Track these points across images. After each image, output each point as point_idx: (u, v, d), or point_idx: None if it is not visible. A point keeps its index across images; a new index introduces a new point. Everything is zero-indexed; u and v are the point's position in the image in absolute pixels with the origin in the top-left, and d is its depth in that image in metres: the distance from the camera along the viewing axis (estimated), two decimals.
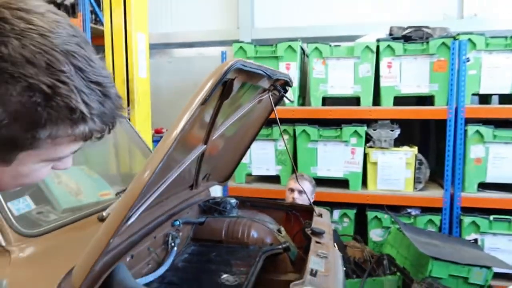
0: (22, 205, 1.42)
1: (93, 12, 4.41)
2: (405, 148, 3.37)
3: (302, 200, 2.90)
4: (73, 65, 0.52)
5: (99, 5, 4.49)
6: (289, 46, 3.48)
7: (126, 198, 1.11)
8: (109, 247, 1.16)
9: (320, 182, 3.50)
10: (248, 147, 2.58)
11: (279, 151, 3.66)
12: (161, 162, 1.05)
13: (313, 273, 1.53)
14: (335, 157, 3.44)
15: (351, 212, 3.53)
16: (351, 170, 3.46)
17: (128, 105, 3.44)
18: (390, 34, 3.46)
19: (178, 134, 1.03)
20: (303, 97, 3.88)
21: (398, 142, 3.44)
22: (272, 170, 3.72)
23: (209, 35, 4.93)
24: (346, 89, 3.44)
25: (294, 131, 3.55)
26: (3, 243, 1.31)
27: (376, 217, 3.46)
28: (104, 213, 1.57)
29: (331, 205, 3.46)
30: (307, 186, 2.93)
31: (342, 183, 3.53)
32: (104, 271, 1.34)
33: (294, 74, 3.52)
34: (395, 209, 3.43)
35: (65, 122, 0.53)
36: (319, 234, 2.03)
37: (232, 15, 4.86)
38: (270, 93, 1.98)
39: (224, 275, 1.84)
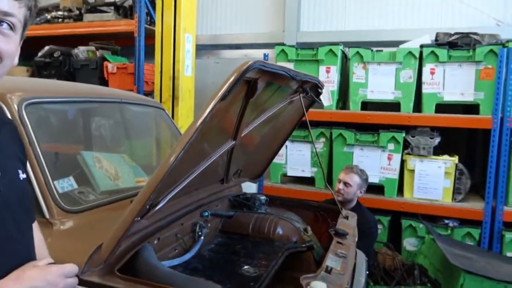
0: (66, 184, 1.60)
1: (148, 13, 4.67)
2: (445, 157, 3.28)
3: (347, 192, 2.91)
4: None
5: (154, 7, 4.75)
6: (330, 50, 3.52)
7: (151, 181, 1.23)
8: (133, 226, 1.29)
9: None
10: (280, 147, 2.65)
11: (315, 153, 3.69)
12: (183, 150, 1.16)
13: (328, 270, 1.57)
14: (371, 162, 3.42)
15: (385, 219, 3.49)
16: (387, 176, 3.42)
17: (173, 101, 3.64)
18: (436, 40, 3.39)
19: (198, 128, 1.13)
20: (343, 101, 3.88)
21: (439, 151, 3.36)
22: (307, 171, 3.76)
23: (256, 37, 5.06)
24: (386, 94, 3.42)
25: (331, 134, 3.57)
26: (47, 216, 1.48)
27: (410, 225, 3.39)
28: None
29: None
30: (355, 179, 2.92)
31: (377, 189, 3.50)
32: (132, 249, 1.48)
33: (334, 78, 3.55)
34: (432, 219, 3.35)
35: None
36: (342, 235, 2.06)
37: (279, 18, 4.95)
38: (301, 95, 2.04)
39: (245, 267, 1.93)
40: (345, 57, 3.73)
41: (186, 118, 3.68)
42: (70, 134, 1.99)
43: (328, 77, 3.55)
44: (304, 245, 2.23)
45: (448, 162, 3.24)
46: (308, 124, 2.13)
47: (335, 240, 1.98)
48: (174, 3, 3.56)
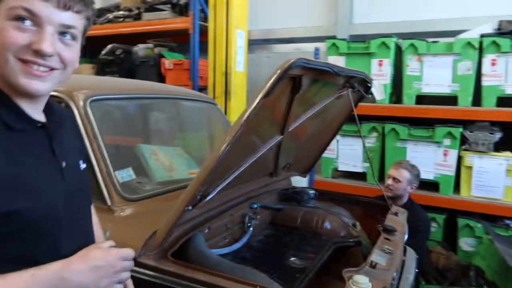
0: (126, 175, 1.74)
1: (202, 10, 4.82)
2: (507, 153, 3.09)
3: (397, 188, 2.87)
4: None
5: (207, 4, 4.89)
6: (383, 42, 3.43)
7: (200, 173, 1.31)
8: (184, 215, 1.38)
9: None
10: (330, 141, 2.66)
11: (367, 148, 3.64)
12: (228, 145, 1.22)
13: (372, 265, 1.57)
14: (425, 158, 3.31)
15: (440, 217, 3.37)
16: (442, 173, 3.29)
17: (226, 96, 3.75)
18: (498, 29, 3.19)
19: (242, 124, 1.19)
20: (397, 95, 3.78)
21: (501, 147, 3.17)
22: (359, 167, 3.71)
23: (308, 31, 5.03)
24: (443, 88, 3.27)
25: (383, 128, 3.49)
26: (109, 203, 1.63)
27: (468, 225, 3.24)
28: None
29: None
30: (405, 174, 2.87)
31: (432, 185, 3.37)
32: (184, 236, 1.58)
33: (386, 71, 3.47)
34: (491, 219, 3.17)
35: None
36: (389, 231, 2.04)
37: (331, 11, 4.88)
38: (349, 90, 2.03)
39: (292, 258, 1.98)
40: (398, 49, 3.61)
41: (238, 113, 3.72)
42: (129, 128, 2.15)
43: (381, 70, 3.47)
44: (351, 240, 2.24)
45: (510, 159, 3.06)
46: (357, 119, 2.12)
47: (383, 236, 1.97)
48: (226, 1, 3.65)
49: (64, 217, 0.93)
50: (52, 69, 0.86)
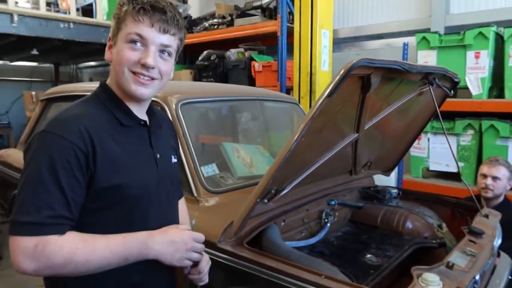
0: (210, 169, 1.93)
1: (290, 13, 4.94)
2: None
3: (497, 187, 2.65)
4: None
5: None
6: (480, 32, 3.18)
7: (270, 168, 1.43)
8: (257, 207, 1.51)
9: None
10: (414, 139, 2.58)
11: (461, 147, 3.41)
12: (294, 143, 1.32)
13: (449, 266, 1.53)
14: None
15: None
16: None
17: (311, 95, 3.81)
18: None
19: (307, 124, 1.27)
20: (500, 89, 3.46)
21: None
22: (452, 166, 3.49)
23: (399, 25, 4.84)
24: None
25: (480, 125, 3.24)
26: (195, 195, 1.83)
27: None
28: None
29: None
30: (503, 171, 2.64)
31: None
32: (260, 227, 1.72)
33: (484, 63, 3.21)
34: None
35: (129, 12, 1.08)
36: (476, 234, 1.93)
37: (424, 3, 4.64)
38: (430, 87, 1.97)
39: (368, 255, 1.99)
40: (500, 39, 3.32)
41: None
42: (215, 127, 2.36)
43: (477, 63, 3.22)
44: (435, 241, 2.16)
45: None
46: (440, 116, 2.04)
47: (467, 238, 1.87)
48: (311, 2, 3.72)
49: (154, 197, 1.16)
50: (152, 78, 1.11)
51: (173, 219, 1.25)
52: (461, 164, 3.44)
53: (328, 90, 1.23)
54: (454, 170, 3.50)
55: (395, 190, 2.56)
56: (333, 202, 2.25)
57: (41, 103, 3.02)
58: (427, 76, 1.82)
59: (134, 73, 1.09)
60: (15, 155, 3.15)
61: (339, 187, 2.36)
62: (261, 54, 5.48)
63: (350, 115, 1.77)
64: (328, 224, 2.19)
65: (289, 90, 4.84)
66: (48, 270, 0.97)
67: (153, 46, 1.08)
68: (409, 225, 2.29)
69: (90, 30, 6.19)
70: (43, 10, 5.77)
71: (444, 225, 2.33)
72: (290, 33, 4.82)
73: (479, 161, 3.31)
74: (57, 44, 6.16)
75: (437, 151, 3.54)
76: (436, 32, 3.55)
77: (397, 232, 2.27)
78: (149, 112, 1.23)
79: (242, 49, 5.47)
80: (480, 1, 4.16)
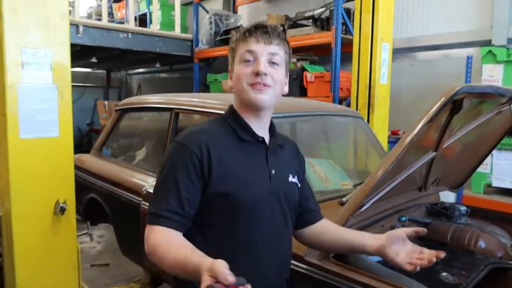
0: None
1: (344, 23, 4.98)
2: None
3: None
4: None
5: (349, 17, 5.03)
6: None
7: (362, 189, 1.48)
8: (347, 224, 1.56)
9: None
10: (485, 157, 2.54)
11: None
12: (391, 164, 1.37)
13: None
14: None
15: None
16: None
17: (369, 108, 3.83)
18: None
19: (407, 143, 1.32)
20: None
21: None
22: None
23: (456, 36, 4.76)
24: None
25: None
26: None
27: None
28: (344, 199, 2.00)
29: None
30: None
31: None
32: None
33: None
34: None
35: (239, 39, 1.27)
36: None
37: (486, 13, 4.53)
38: (510, 106, 1.96)
39: (444, 273, 1.99)
40: None
41: (381, 125, 3.82)
42: None
43: None
44: (511, 262, 2.12)
45: None
46: None
47: None
48: (372, 14, 3.74)
49: (266, 211, 1.25)
50: (265, 85, 1.23)
51: (285, 236, 1.33)
52: None
53: (429, 116, 1.28)
54: None
55: (464, 207, 2.53)
56: (403, 219, 2.27)
57: (116, 113, 3.22)
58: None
59: (251, 85, 1.23)
60: (88, 161, 3.36)
61: (409, 203, 2.37)
62: (313, 64, 5.53)
63: (434, 135, 1.80)
64: None
65: (341, 101, 4.87)
66: (149, 255, 1.15)
67: (262, 57, 1.22)
68: (481, 244, 2.26)
69: (145, 40, 6.48)
70: (105, 21, 6.11)
71: None
72: (343, 43, 4.86)
73: None
74: (115, 52, 6.49)
75: (502, 167, 3.46)
76: (503, 46, 3.48)
77: (469, 250, 2.25)
78: (271, 133, 1.35)
79: (294, 59, 5.54)
80: None
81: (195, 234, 1.22)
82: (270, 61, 1.23)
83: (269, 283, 1.29)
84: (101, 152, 3.36)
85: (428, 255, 1.25)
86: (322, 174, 2.15)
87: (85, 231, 3.20)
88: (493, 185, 3.55)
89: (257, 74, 1.21)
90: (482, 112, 2.00)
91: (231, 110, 1.33)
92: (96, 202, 3.13)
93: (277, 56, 1.24)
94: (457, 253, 2.25)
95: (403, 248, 1.29)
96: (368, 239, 1.36)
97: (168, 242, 1.12)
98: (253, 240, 1.24)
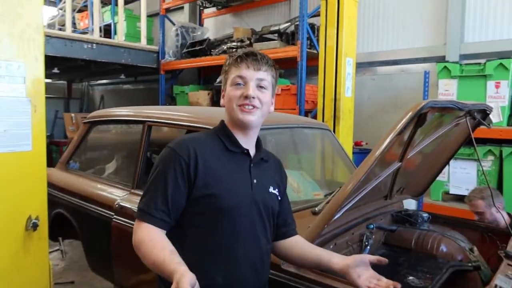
0: None
1: (309, 38, 5.15)
2: None
3: (486, 218, 2.75)
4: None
5: (313, 32, 5.21)
6: (500, 64, 3.37)
7: (336, 199, 1.56)
8: (322, 232, 1.64)
9: None
10: (444, 166, 2.72)
11: (481, 172, 3.56)
12: (363, 176, 1.46)
13: None
14: None
15: None
16: None
17: (335, 121, 3.97)
18: None
19: (377, 157, 1.42)
20: None
21: None
22: None
23: (414, 52, 5.05)
24: None
25: (501, 152, 3.40)
26: None
27: None
28: (317, 209, 2.09)
29: None
30: (480, 203, 2.78)
31: None
32: None
33: (504, 93, 3.40)
34: None
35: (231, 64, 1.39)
36: None
37: (440, 30, 4.85)
38: (467, 118, 2.12)
39: (410, 277, 2.10)
40: None
41: (346, 137, 3.97)
42: None
43: (498, 93, 3.41)
44: (470, 264, 2.27)
45: None
46: (475, 144, 2.19)
47: (505, 262, 2.00)
48: (337, 29, 3.91)
49: (246, 215, 1.36)
50: (254, 107, 1.35)
51: (264, 241, 1.43)
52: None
53: (398, 130, 1.38)
54: None
55: (426, 214, 2.68)
56: (371, 226, 2.37)
57: (84, 125, 3.16)
58: (470, 110, 1.98)
59: (240, 106, 1.36)
60: (55, 175, 3.27)
61: (376, 212, 2.48)
62: (279, 77, 5.64)
63: (399, 147, 1.92)
64: (368, 247, 2.30)
65: (307, 113, 5.01)
66: (134, 248, 1.27)
67: (251, 82, 1.35)
68: (443, 248, 2.40)
69: (111, 51, 6.40)
70: (68, 31, 5.99)
71: (475, 248, 2.45)
72: (308, 57, 5.02)
73: (500, 186, 3.46)
74: (79, 63, 6.35)
75: (458, 175, 3.69)
76: (455, 62, 3.74)
77: (432, 255, 2.38)
78: (257, 148, 1.48)
79: None
80: (495, 31, 4.38)
81: (180, 233, 1.34)
82: (258, 85, 1.36)
83: (247, 284, 1.38)
84: (68, 166, 3.28)
85: (385, 283, 1.37)
86: (295, 185, 2.23)
87: (57, 248, 3.09)
88: (450, 192, 3.77)
89: (246, 97, 1.34)
90: (441, 125, 2.16)
91: (222, 125, 1.45)
92: (62, 218, 3.04)
93: (264, 81, 1.37)
94: (421, 257, 2.38)
95: (365, 272, 1.41)
96: (335, 258, 1.47)
97: (152, 241, 1.24)
98: (232, 240, 1.34)
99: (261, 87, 1.37)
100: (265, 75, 1.38)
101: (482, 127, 3.41)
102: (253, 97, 1.34)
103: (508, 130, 3.39)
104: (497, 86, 3.40)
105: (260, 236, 1.41)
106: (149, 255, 1.22)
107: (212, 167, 1.34)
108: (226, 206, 1.33)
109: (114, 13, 7.37)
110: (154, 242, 1.24)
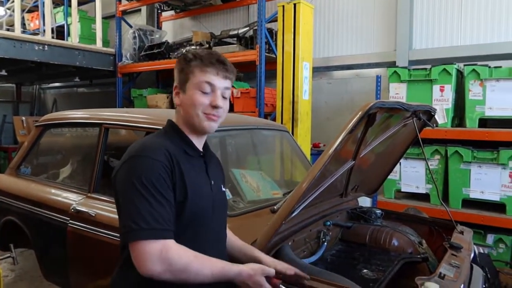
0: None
1: (267, 43, 5.24)
2: None
3: None
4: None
5: (272, 37, 5.31)
6: (444, 69, 3.60)
7: (292, 197, 1.62)
8: (279, 229, 1.69)
9: (473, 204, 3.49)
10: (395, 165, 2.87)
11: (429, 170, 3.77)
12: (318, 173, 1.53)
13: (441, 276, 1.78)
14: (490, 180, 3.39)
15: (508, 238, 3.41)
16: (508, 194, 3.35)
17: (293, 123, 4.07)
18: None
19: (331, 155, 1.49)
20: (460, 118, 3.90)
21: None
22: (421, 188, 3.85)
23: (367, 57, 5.27)
24: (507, 111, 3.37)
25: (446, 151, 3.62)
26: None
27: None
28: (275, 207, 2.14)
29: (484, 228, 3.41)
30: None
31: (498, 206, 3.44)
32: (274, 247, 1.89)
33: (448, 96, 3.62)
34: None
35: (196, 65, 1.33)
36: (456, 248, 2.21)
37: (390, 38, 5.10)
38: (414, 119, 2.27)
39: (364, 270, 2.20)
40: (460, 74, 3.76)
41: (304, 138, 4.08)
42: (222, 155, 2.53)
43: (442, 96, 3.63)
44: (419, 256, 2.41)
45: None
46: (421, 144, 2.33)
47: (449, 252, 2.14)
48: (294, 35, 4.02)
49: (211, 215, 1.39)
50: (219, 116, 1.38)
51: (223, 238, 1.50)
52: (429, 186, 3.80)
53: (349, 129, 1.46)
54: (423, 191, 3.86)
55: (379, 211, 2.81)
56: (328, 223, 2.46)
57: (36, 129, 3.05)
58: (415, 110, 2.11)
59: (206, 113, 1.35)
60: (4, 181, 3.13)
61: (333, 209, 2.58)
62: (238, 80, 5.71)
63: (352, 146, 2.02)
64: (325, 243, 2.39)
65: (266, 116, 5.09)
66: (168, 274, 1.17)
67: (219, 90, 1.36)
68: (395, 242, 2.53)
69: (64, 53, 6.19)
70: (18, 32, 5.73)
71: (423, 241, 2.60)
72: (267, 61, 5.11)
73: (446, 183, 3.68)
74: (29, 65, 6.09)
75: (408, 174, 3.89)
76: (405, 67, 3.95)
77: (384, 249, 2.51)
78: (205, 148, 1.49)
79: None
80: (440, 40, 4.67)
81: None
82: (223, 95, 1.38)
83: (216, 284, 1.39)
84: (19, 171, 3.15)
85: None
86: (254, 184, 2.27)
87: (8, 255, 2.95)
88: (402, 190, 3.96)
89: (214, 107, 1.34)
90: (391, 125, 2.29)
91: (173, 126, 1.41)
92: (13, 225, 2.92)
93: (228, 91, 1.40)
94: (375, 251, 2.49)
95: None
96: (256, 252, 1.59)
97: (197, 257, 1.22)
98: (204, 243, 1.35)
99: (224, 96, 1.38)
100: (229, 84, 1.40)
101: (428, 128, 3.65)
102: (221, 107, 1.36)
103: (452, 131, 3.62)
104: (441, 90, 3.63)
105: (221, 236, 1.48)
106: (205, 269, 1.21)
107: (184, 171, 1.32)
108: (198, 211, 1.33)
109: (68, 14, 7.13)
110: (198, 257, 1.23)
